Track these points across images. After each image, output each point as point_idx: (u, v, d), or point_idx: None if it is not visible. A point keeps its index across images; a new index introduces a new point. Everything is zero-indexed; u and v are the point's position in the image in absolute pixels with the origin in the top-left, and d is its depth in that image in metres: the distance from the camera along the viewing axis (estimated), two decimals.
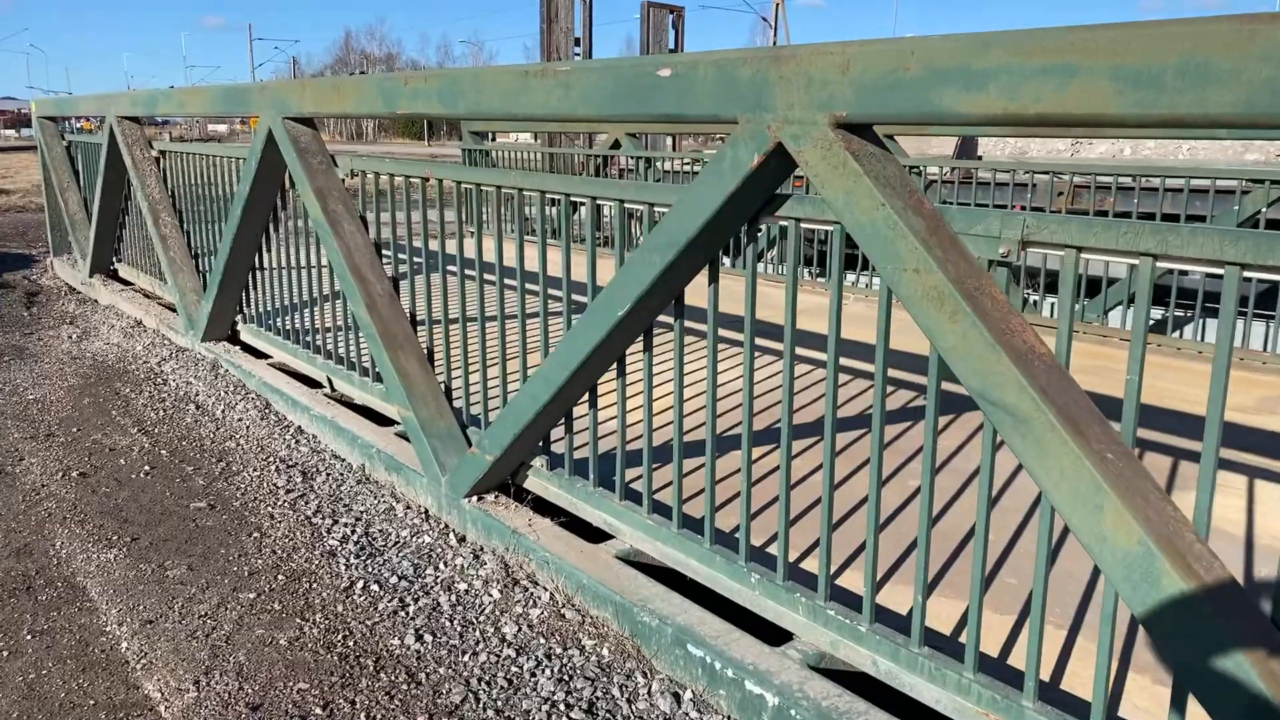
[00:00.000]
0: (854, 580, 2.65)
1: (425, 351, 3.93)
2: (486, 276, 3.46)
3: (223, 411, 4.89)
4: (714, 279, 2.54)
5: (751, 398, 2.51)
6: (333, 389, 4.84)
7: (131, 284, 7.80)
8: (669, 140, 14.99)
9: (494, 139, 12.58)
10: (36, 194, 15.07)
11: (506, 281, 3.38)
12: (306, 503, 3.78)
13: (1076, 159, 14.31)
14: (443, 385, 3.87)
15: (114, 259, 8.14)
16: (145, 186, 6.38)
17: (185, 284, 6.12)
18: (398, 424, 4.31)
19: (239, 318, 5.76)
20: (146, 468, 4.11)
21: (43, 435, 4.51)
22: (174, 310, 6.75)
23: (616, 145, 10.08)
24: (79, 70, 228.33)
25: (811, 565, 2.71)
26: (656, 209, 2.73)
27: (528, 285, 3.38)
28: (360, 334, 4.39)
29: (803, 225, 2.38)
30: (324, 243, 4.15)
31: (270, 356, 5.48)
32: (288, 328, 5.19)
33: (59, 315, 7.46)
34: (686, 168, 10.53)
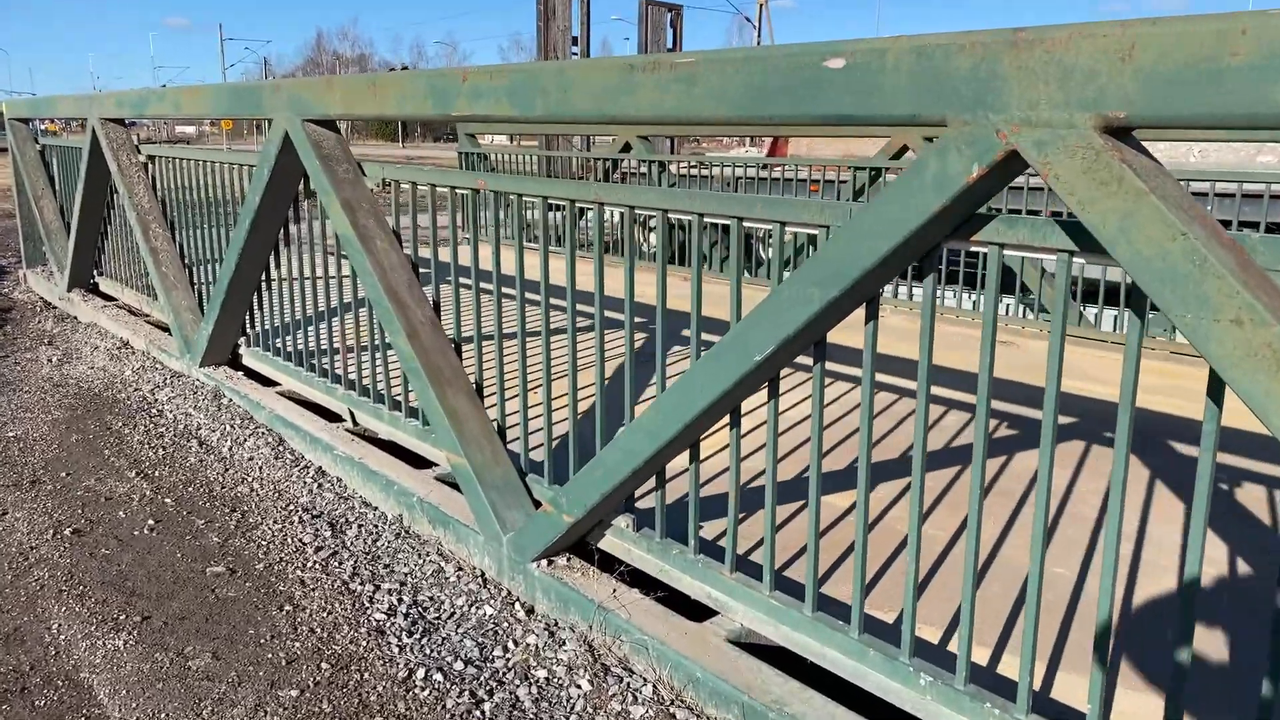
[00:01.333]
0: (1072, 687, 2.20)
1: (474, 385, 3.44)
2: (529, 294, 2.98)
3: (230, 449, 4.36)
4: (873, 315, 2.08)
5: (924, 464, 2.05)
6: (354, 422, 4.33)
7: (115, 299, 7.22)
8: (668, 142, 14.52)
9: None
10: (4, 198, 14.34)
11: (553, 300, 2.90)
12: (340, 563, 3.28)
13: None
14: (495, 424, 3.38)
15: (95, 272, 7.55)
16: (133, 195, 5.82)
17: (180, 302, 5.57)
18: (435, 465, 3.82)
19: (242, 340, 5.22)
20: (151, 521, 3.58)
21: (27, 482, 3.97)
22: (166, 330, 6.20)
23: (627, 148, 9.59)
24: (43, 71, 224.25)
25: (1006, 668, 2.25)
26: (796, 229, 2.27)
27: (576, 306, 2.91)
28: (388, 358, 3.88)
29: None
30: (353, 262, 3.64)
31: (278, 384, 4.96)
32: (297, 349, 4.67)
33: (35, 335, 6.87)
34: (695, 172, 10.07)
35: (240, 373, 5.19)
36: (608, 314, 2.90)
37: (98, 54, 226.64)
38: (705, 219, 2.50)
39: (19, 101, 8.32)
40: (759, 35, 37.24)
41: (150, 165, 5.96)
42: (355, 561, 3.30)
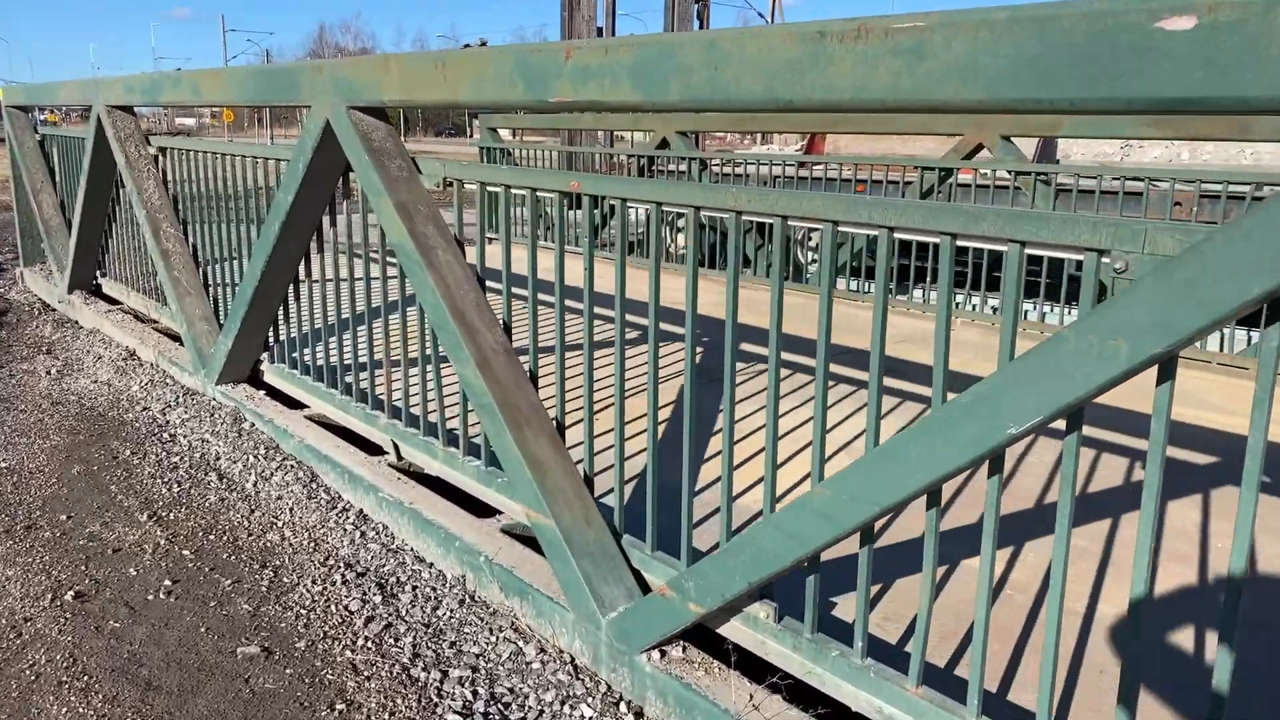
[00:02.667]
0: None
1: (555, 424, 2.88)
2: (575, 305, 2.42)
3: (255, 485, 3.79)
4: (1168, 375, 1.51)
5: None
6: (399, 455, 3.76)
7: (119, 303, 6.65)
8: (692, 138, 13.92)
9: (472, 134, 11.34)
10: (1, 190, 13.74)
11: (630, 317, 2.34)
12: (397, 640, 2.72)
13: (1129, 163, 13.46)
14: (582, 473, 2.82)
15: (98, 272, 6.98)
16: (142, 191, 5.25)
17: (193, 310, 5.00)
18: (499, 512, 3.26)
19: (264, 354, 4.65)
20: (167, 582, 3.02)
21: (21, 527, 3.40)
22: (176, 339, 5.64)
23: (664, 144, 9.00)
24: (43, 60, 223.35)
25: None
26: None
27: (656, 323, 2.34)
28: (440, 376, 3.31)
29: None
30: (411, 278, 3.07)
31: (306, 405, 4.39)
32: (329, 365, 4.10)
33: (33, 341, 6.30)
34: (727, 170, 9.49)
35: (262, 391, 4.62)
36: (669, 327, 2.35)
37: (99, 44, 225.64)
38: (840, 227, 1.94)
39: (17, 88, 7.74)
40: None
41: (161, 158, 5.39)
42: (415, 638, 2.74)
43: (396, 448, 3.75)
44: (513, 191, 3.01)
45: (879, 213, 1.92)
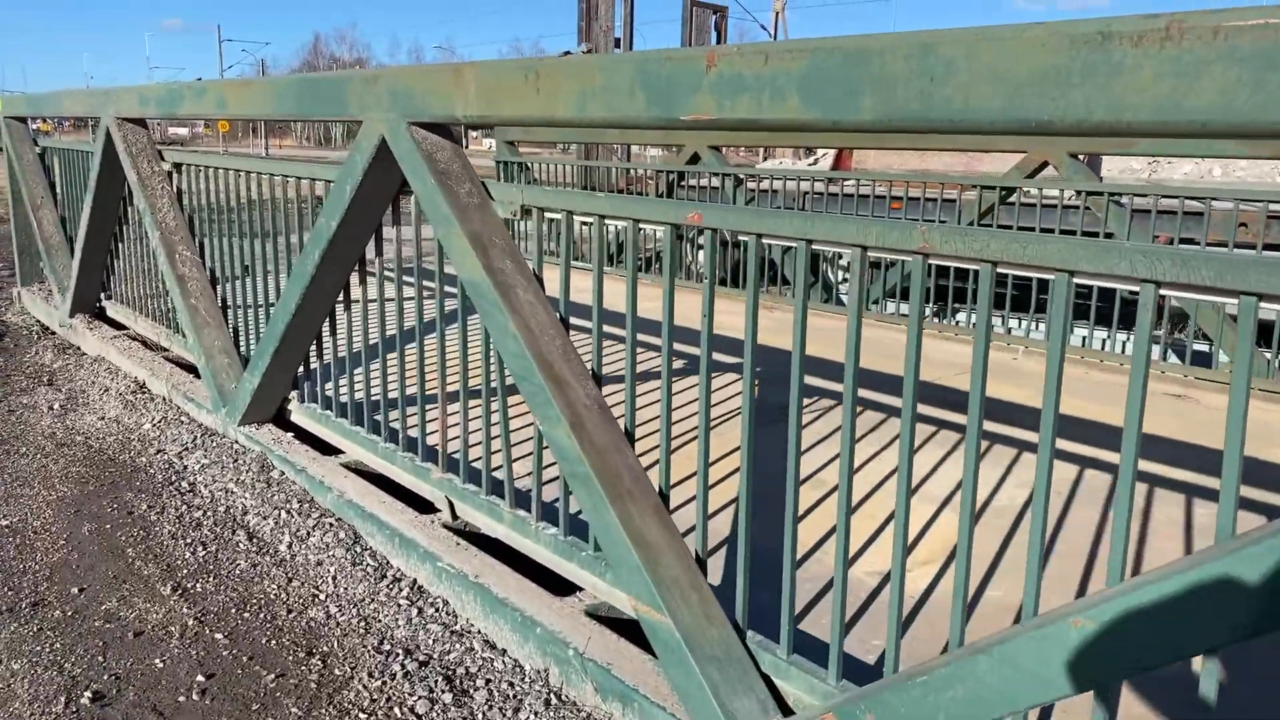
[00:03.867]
0: None
1: (659, 494, 2.46)
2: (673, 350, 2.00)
3: (290, 546, 3.36)
4: None
5: None
6: (454, 515, 3.33)
7: (125, 327, 6.21)
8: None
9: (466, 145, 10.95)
10: None
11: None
12: None
13: (1156, 179, 13.11)
14: (694, 553, 2.40)
15: (102, 294, 6.53)
16: (156, 211, 4.82)
17: (212, 342, 4.57)
18: (576, 586, 2.83)
19: (294, 393, 4.22)
20: (200, 677, 2.58)
21: (27, 604, 2.95)
22: (190, 370, 5.20)
23: (694, 159, 8.60)
24: (36, 70, 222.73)
25: None
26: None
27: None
28: (507, 417, 2.87)
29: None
30: (488, 320, 2.65)
31: (341, 450, 3.96)
32: (369, 401, 3.67)
33: (33, 370, 5.85)
34: (752, 186, 9.10)
35: (290, 434, 4.18)
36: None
37: (92, 54, 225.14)
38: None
39: (18, 98, 7.32)
40: (774, 39, 36.36)
41: (176, 175, 4.97)
42: None
43: (451, 505, 3.32)
44: (608, 223, 2.59)
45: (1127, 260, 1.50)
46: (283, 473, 3.92)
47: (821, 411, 4.34)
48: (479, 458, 3.13)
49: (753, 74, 1.82)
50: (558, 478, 2.68)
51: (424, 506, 3.44)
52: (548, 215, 2.77)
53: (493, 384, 2.94)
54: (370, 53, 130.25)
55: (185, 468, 4.10)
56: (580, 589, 2.83)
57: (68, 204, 6.72)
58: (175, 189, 4.96)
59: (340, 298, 3.71)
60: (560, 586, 2.85)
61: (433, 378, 3.33)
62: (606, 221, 2.58)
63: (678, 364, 4.61)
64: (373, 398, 3.70)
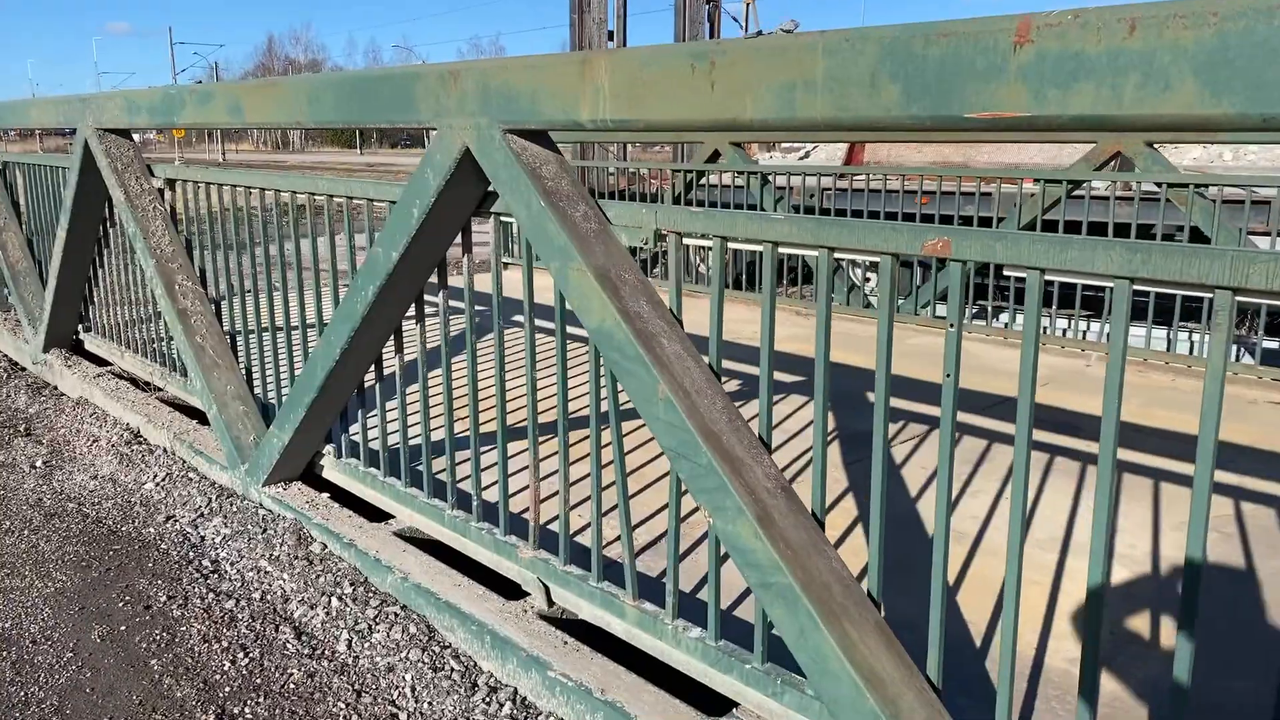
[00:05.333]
0: None
1: (871, 600, 1.91)
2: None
3: (351, 646, 2.76)
4: None
5: None
6: (549, 600, 2.75)
7: (108, 363, 5.54)
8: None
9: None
10: None
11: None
12: None
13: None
14: (930, 684, 1.85)
15: (79, 325, 5.84)
16: (149, 235, 4.18)
17: (224, 387, 3.94)
18: (734, 704, 2.27)
19: (328, 446, 3.61)
20: None
21: None
22: (191, 414, 4.57)
23: (714, 157, 8.05)
24: None
25: None
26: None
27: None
28: (625, 476, 2.30)
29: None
30: (627, 381, 2.08)
31: (391, 514, 3.37)
32: (427, 451, 3.08)
33: (6, 418, 5.15)
34: (779, 182, 8.56)
35: (325, 495, 3.58)
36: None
37: (36, 60, 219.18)
38: None
39: None
40: (745, 32, 35.86)
41: (169, 192, 4.33)
42: None
43: (547, 589, 2.75)
44: (781, 250, 2.03)
45: None
46: (324, 545, 3.32)
47: (916, 439, 3.85)
48: (583, 526, 2.56)
49: (1100, 52, 1.27)
50: (687, 555, 2.12)
51: (505, 584, 2.87)
52: (686, 241, 2.21)
53: (603, 435, 2.37)
54: (326, 54, 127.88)
55: (204, 540, 3.48)
56: (735, 704, 2.27)
57: (35, 225, 6.01)
58: (169, 208, 4.32)
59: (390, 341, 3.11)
60: (701, 696, 2.30)
61: (519, 426, 2.75)
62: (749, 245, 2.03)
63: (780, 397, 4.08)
64: (432, 450, 3.11)
